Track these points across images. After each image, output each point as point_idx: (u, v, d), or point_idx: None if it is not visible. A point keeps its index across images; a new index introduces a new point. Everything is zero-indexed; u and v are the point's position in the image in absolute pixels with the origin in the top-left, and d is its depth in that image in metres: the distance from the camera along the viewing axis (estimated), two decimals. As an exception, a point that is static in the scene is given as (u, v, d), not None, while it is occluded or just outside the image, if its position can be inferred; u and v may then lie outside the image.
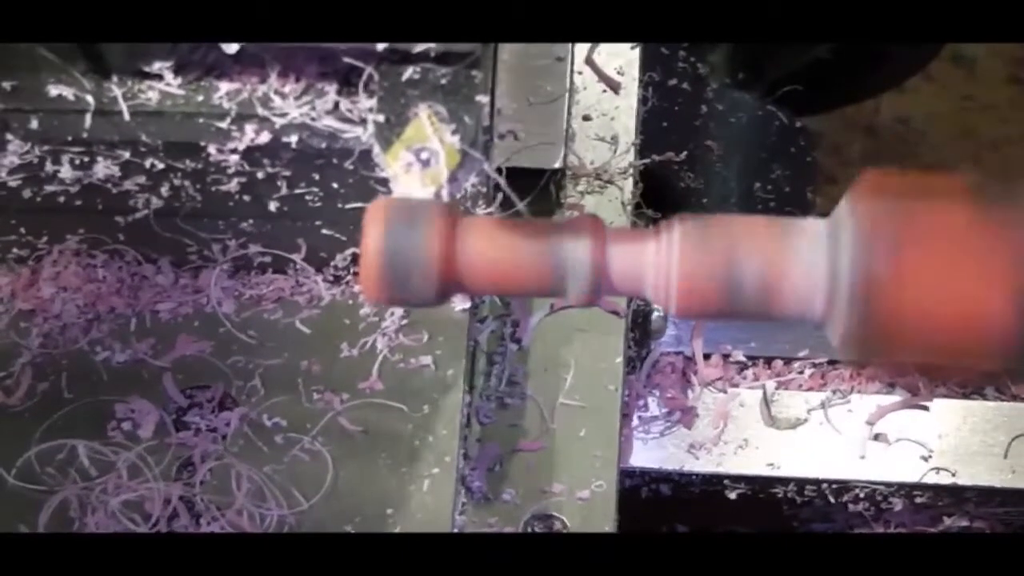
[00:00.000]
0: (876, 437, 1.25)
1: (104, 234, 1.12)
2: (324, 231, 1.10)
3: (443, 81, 0.95)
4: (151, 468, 1.08)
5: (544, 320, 1.17)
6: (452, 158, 0.93)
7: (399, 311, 1.12)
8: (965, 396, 1.26)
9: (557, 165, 1.19)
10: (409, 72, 0.95)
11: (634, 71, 1.25)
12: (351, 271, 1.13)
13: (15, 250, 1.13)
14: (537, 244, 0.77)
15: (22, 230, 1.12)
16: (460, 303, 1.12)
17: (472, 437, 1.14)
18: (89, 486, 1.07)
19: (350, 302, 1.14)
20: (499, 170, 1.00)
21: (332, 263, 1.13)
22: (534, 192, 1.07)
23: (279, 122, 0.99)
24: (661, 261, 0.76)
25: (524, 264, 0.77)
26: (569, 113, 1.20)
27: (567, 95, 1.19)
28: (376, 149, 0.94)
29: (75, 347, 1.12)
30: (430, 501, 1.07)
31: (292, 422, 1.10)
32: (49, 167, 1.02)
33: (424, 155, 0.93)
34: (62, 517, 1.06)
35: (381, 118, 0.95)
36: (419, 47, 0.93)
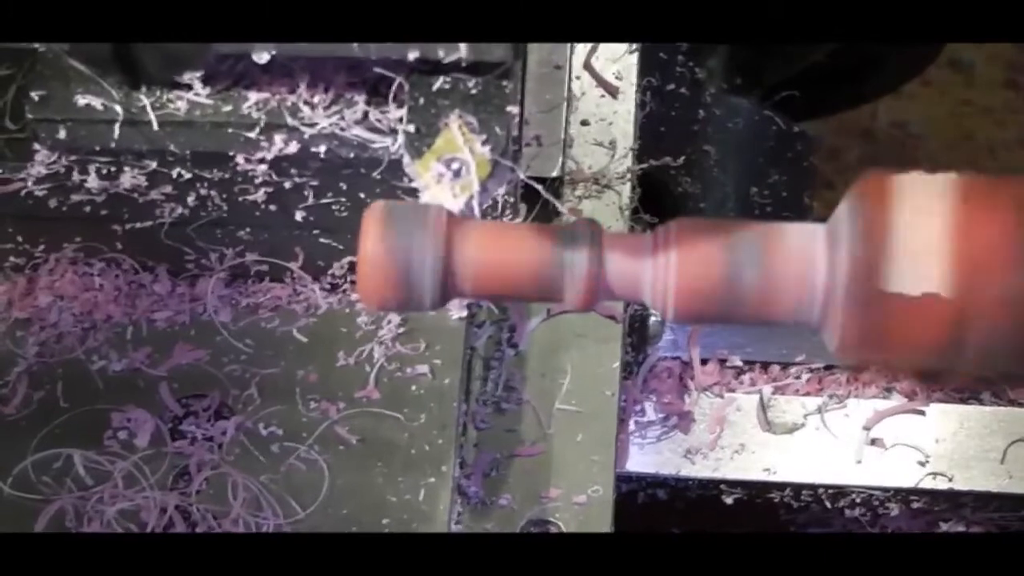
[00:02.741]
0: (873, 442, 1.24)
1: (101, 242, 1.11)
2: (321, 239, 1.09)
3: (473, 91, 0.95)
4: (147, 477, 1.08)
5: (541, 325, 1.17)
6: (483, 168, 0.93)
7: (395, 319, 1.12)
8: (962, 401, 1.26)
9: (555, 173, 1.19)
10: (439, 82, 0.95)
11: (632, 76, 1.25)
12: (348, 279, 1.13)
13: (11, 259, 1.13)
14: (535, 248, 0.77)
15: (19, 238, 1.12)
16: (457, 311, 1.12)
17: (468, 443, 1.14)
18: (85, 495, 1.07)
19: (347, 311, 1.14)
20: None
21: (329, 271, 1.13)
22: (540, 200, 1.07)
23: (308, 132, 0.98)
24: (659, 266, 0.76)
25: (522, 268, 0.77)
26: (567, 119, 1.20)
27: (565, 102, 1.20)
28: (407, 159, 0.94)
29: (71, 356, 1.12)
30: (427, 509, 1.07)
31: (288, 431, 1.10)
32: (76, 177, 1.02)
33: (455, 165, 0.93)
34: (58, 527, 1.06)
35: (412, 128, 0.95)
36: (449, 57, 0.93)
